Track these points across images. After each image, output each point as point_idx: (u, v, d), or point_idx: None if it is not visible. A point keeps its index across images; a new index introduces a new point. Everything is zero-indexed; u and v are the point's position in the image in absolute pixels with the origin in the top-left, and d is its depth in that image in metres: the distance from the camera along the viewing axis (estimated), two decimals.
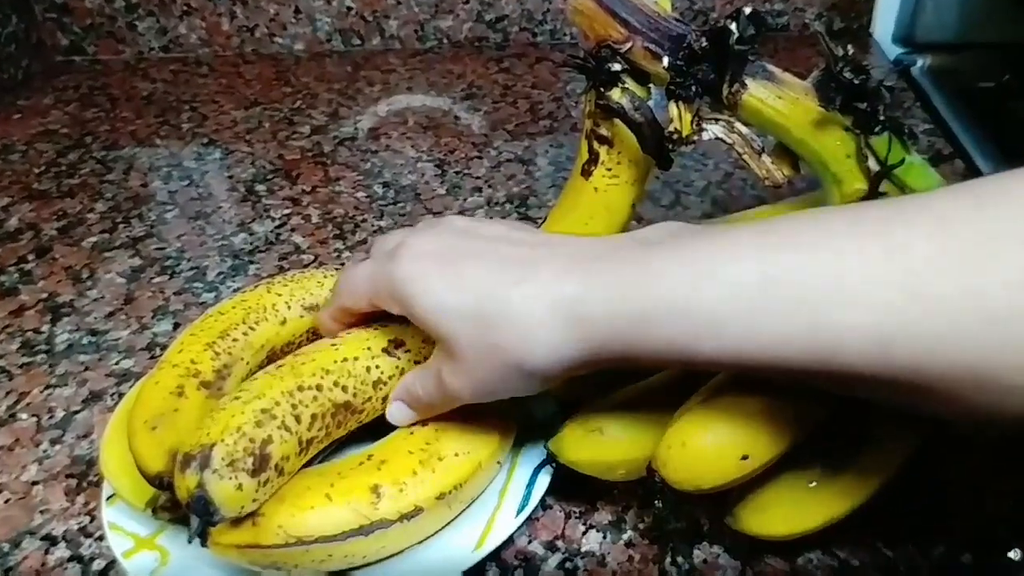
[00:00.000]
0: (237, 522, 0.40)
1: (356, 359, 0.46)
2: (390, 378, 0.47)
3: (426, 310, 0.40)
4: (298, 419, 0.42)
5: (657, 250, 0.38)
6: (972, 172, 0.84)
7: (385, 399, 0.47)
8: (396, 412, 0.47)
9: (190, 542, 0.39)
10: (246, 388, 0.42)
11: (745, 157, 0.48)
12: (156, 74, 1.17)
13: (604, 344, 0.37)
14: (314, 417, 0.43)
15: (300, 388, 0.43)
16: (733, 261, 0.35)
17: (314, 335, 0.53)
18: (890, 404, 0.35)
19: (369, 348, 0.47)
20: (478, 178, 0.88)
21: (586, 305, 0.37)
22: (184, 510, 0.39)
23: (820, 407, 0.41)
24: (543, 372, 0.39)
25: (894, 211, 0.34)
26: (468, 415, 0.46)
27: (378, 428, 0.47)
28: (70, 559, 0.47)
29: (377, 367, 0.46)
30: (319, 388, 0.44)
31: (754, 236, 0.35)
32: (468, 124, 0.99)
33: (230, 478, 0.38)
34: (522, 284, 0.38)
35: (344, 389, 0.45)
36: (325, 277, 0.55)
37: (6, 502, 0.51)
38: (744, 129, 0.47)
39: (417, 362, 0.47)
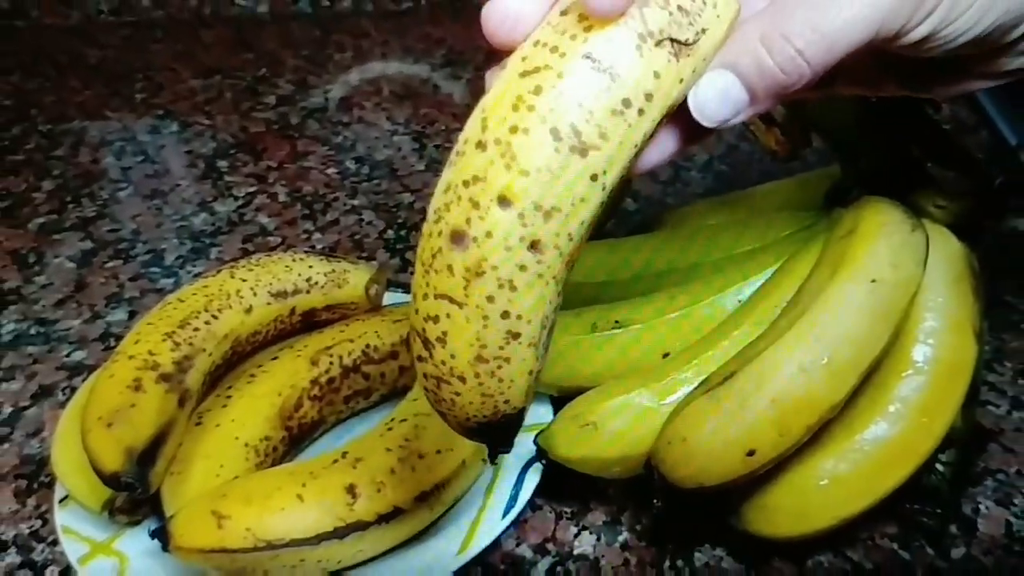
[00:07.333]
0: (200, 524, 0.40)
1: None
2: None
3: None
4: None
5: None
6: (998, 143, 0.84)
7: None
8: (715, 90, 0.29)
9: (152, 538, 0.39)
10: None
11: (753, 128, 0.48)
12: (106, 40, 1.16)
13: None
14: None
15: None
16: None
17: (282, 324, 0.54)
18: None
19: None
20: None
21: None
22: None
23: (833, 396, 0.41)
24: None
25: None
26: None
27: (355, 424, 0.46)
28: (21, 566, 0.47)
29: None
30: None
31: None
32: (449, 93, 1.00)
33: None
34: None
35: None
36: (293, 261, 0.55)
37: None
38: None
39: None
